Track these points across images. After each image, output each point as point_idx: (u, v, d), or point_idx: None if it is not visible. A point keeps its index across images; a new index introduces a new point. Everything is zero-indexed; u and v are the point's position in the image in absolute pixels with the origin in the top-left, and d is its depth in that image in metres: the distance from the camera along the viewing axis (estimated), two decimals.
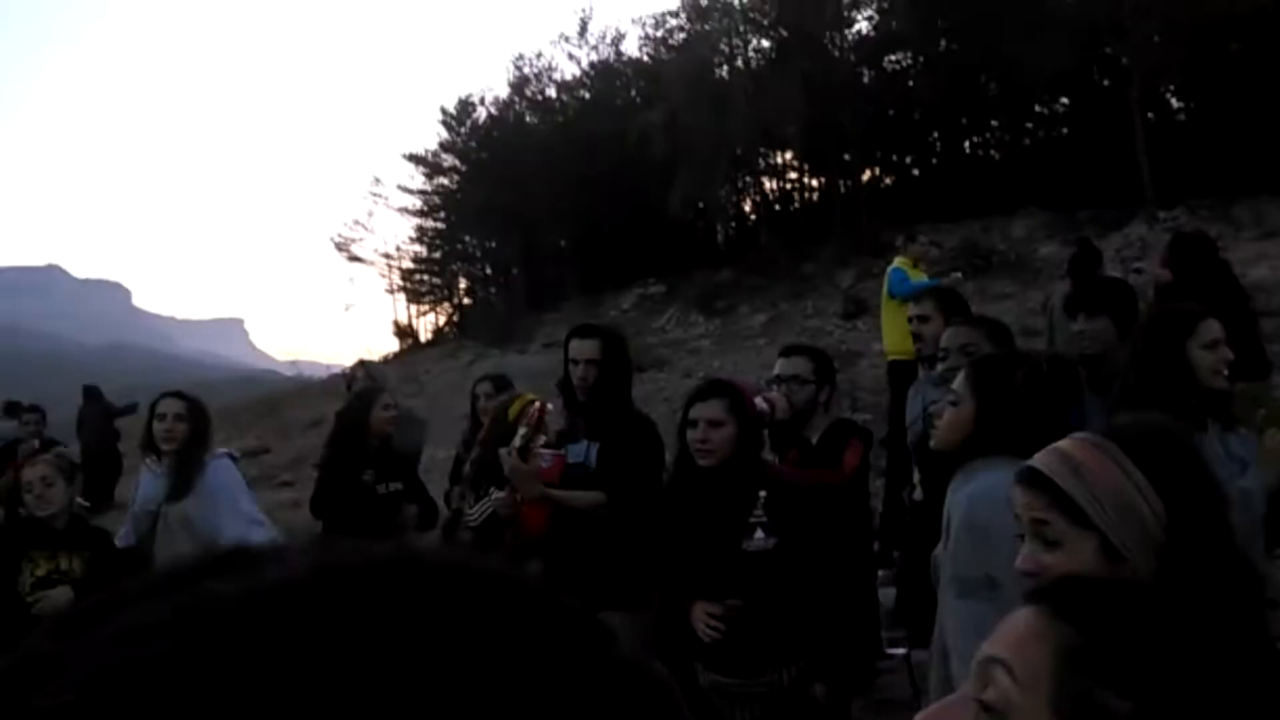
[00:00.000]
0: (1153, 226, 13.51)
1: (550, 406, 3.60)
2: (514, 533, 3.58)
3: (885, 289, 7.81)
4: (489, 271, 27.56)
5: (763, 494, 2.97)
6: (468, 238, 28.78)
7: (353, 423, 4.56)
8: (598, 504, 3.40)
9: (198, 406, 4.16)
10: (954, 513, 2.24)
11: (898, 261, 8.15)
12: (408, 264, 29.52)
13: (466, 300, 26.96)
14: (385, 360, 20.96)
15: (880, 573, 3.97)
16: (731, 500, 2.99)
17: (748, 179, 25.17)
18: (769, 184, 25.75)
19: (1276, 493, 2.72)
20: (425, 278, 29.44)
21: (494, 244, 27.81)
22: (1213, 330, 2.75)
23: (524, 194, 24.57)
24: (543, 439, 3.47)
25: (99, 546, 3.92)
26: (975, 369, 2.38)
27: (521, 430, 3.44)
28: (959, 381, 2.38)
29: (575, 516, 3.42)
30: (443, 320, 26.64)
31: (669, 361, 13.77)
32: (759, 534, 2.94)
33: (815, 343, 13.96)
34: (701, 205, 23.14)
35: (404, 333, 22.99)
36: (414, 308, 28.73)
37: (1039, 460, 1.47)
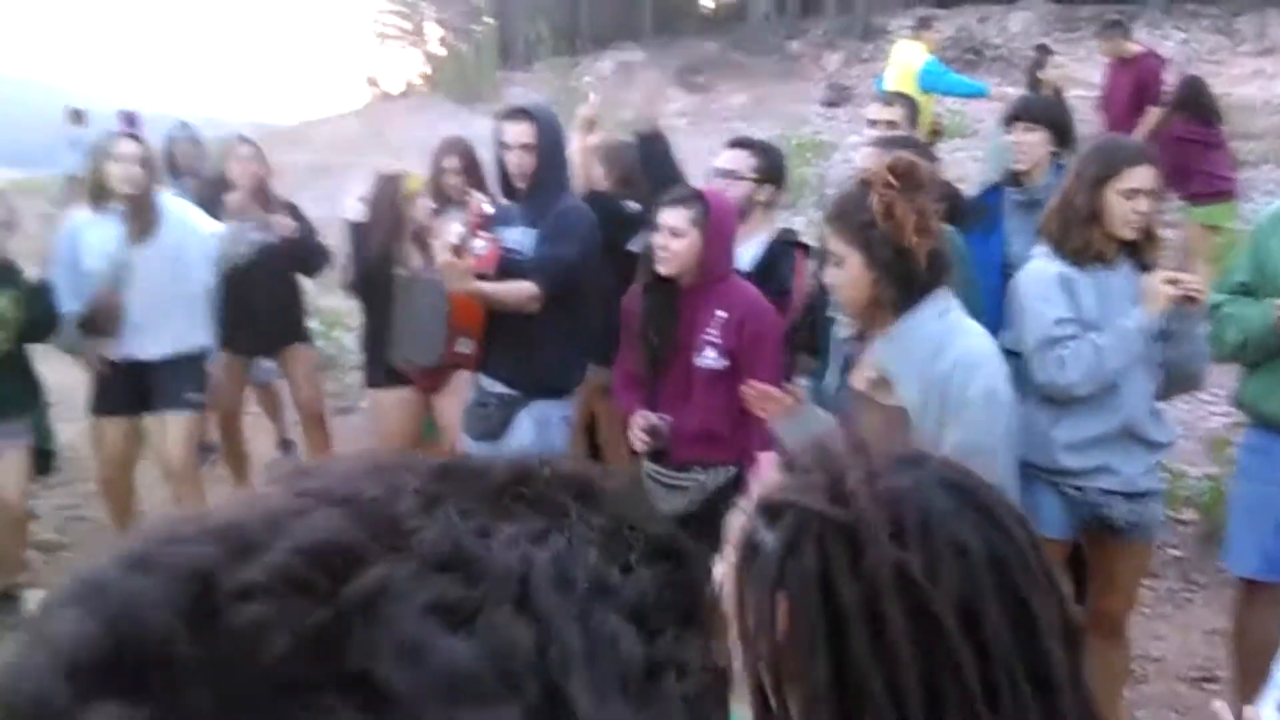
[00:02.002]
0: (1152, 33, 12.94)
1: (485, 202, 3.49)
2: (450, 324, 3.57)
3: (901, 79, 6.74)
4: (463, 20, 26.23)
5: (722, 314, 3.00)
6: None
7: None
8: (529, 296, 3.35)
9: (150, 150, 4.17)
10: (914, 376, 2.23)
11: (919, 48, 7.38)
12: (381, 4, 28.07)
13: (440, 50, 25.78)
14: (353, 114, 20.15)
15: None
16: (689, 312, 3.04)
17: None
18: None
19: (1167, 335, 2.75)
20: (394, 21, 27.98)
21: None
22: (1137, 178, 2.73)
23: None
24: (478, 240, 3.39)
25: (27, 287, 3.94)
26: (838, 218, 2.28)
27: (458, 228, 3.37)
28: (827, 239, 2.31)
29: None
30: (414, 70, 25.63)
31: None
32: (710, 353, 3.01)
33: (793, 130, 13.58)
34: None
35: (375, 84, 22.12)
36: (385, 55, 27.46)
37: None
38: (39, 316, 3.94)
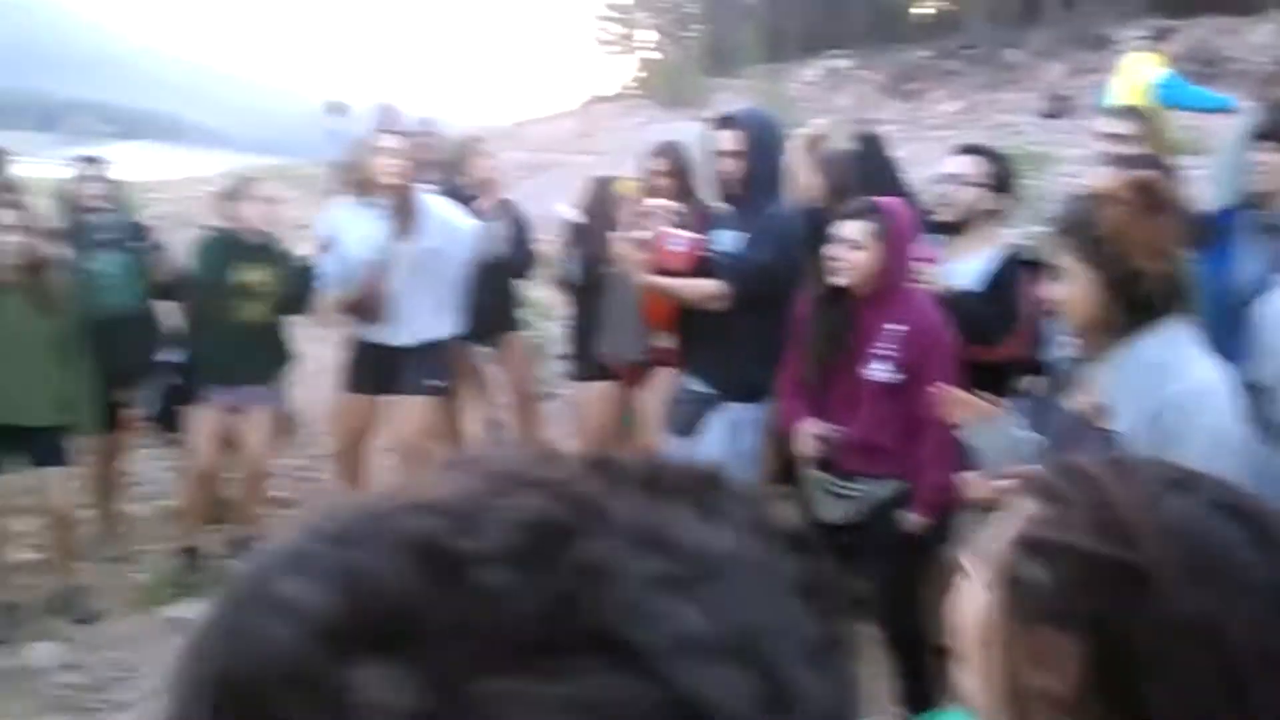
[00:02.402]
0: None
1: (665, 203, 3.60)
2: (648, 319, 3.69)
3: (1132, 92, 6.31)
4: (675, 26, 26.66)
5: (894, 327, 2.98)
6: None
7: None
8: (711, 294, 3.39)
9: (413, 144, 4.53)
10: (1132, 404, 2.09)
11: (1152, 60, 6.68)
12: (600, 10, 28.87)
13: (653, 55, 26.31)
14: (567, 116, 20.84)
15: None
16: (860, 324, 3.02)
17: None
18: None
19: None
20: (613, 26, 28.72)
21: None
22: None
23: None
24: (647, 232, 3.48)
25: (287, 264, 4.42)
26: (1068, 232, 2.14)
27: (634, 220, 3.47)
28: (1055, 251, 2.19)
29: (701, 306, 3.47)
30: (627, 74, 26.30)
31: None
32: (879, 365, 2.99)
33: (1005, 140, 13.09)
34: None
35: (589, 87, 22.98)
36: (601, 59, 28.32)
37: None
38: (298, 292, 4.34)
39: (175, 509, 4.80)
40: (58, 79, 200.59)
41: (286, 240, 4.58)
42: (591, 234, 4.20)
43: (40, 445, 4.01)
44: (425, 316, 4.34)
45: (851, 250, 3.00)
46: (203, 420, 4.35)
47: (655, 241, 3.50)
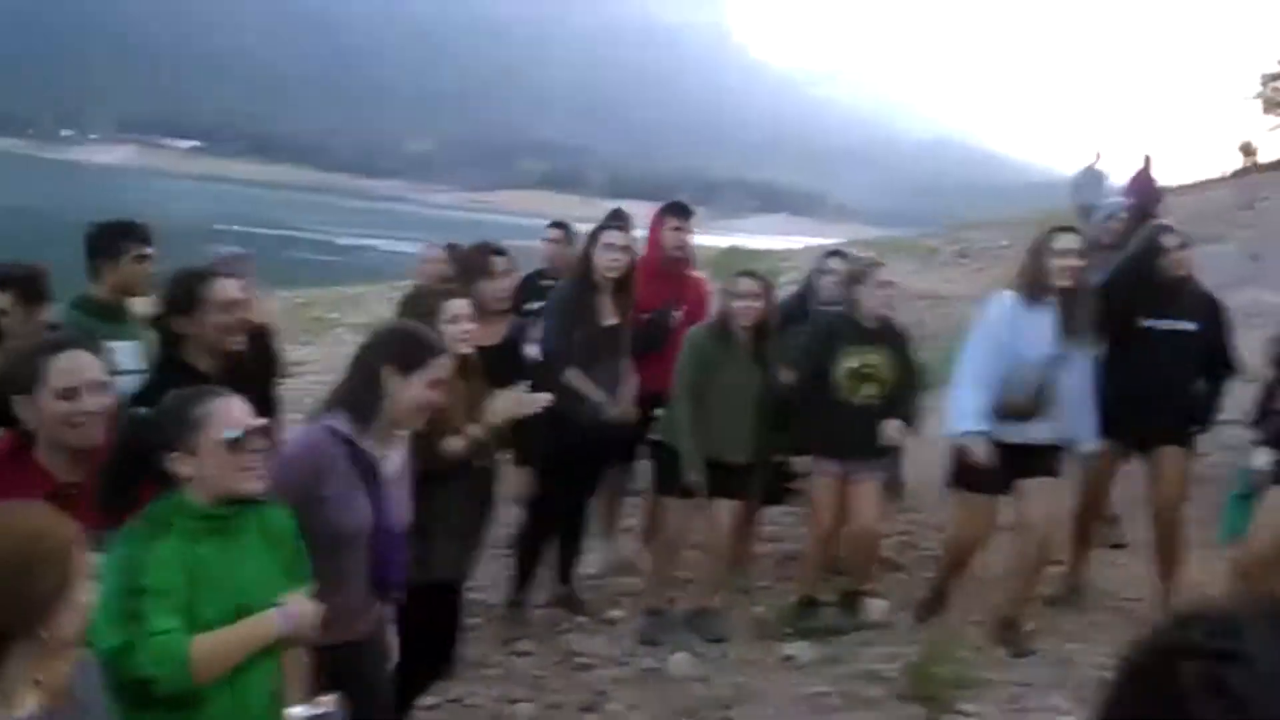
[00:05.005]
0: None
1: None
2: None
3: None
4: None
5: None
6: None
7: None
8: None
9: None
10: None
11: None
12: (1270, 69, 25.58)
13: None
14: (1213, 182, 18.80)
15: None
16: None
17: None
18: None
19: None
20: None
21: None
22: None
23: None
24: None
25: (902, 348, 4.43)
26: None
27: None
28: None
29: None
30: None
31: None
32: None
33: None
34: None
35: (1248, 150, 20.47)
36: (1263, 121, 24.94)
37: None
38: (911, 381, 4.58)
39: (796, 558, 5.19)
40: (710, 157, 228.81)
41: (905, 312, 4.74)
42: None
43: (735, 483, 4.56)
44: (1064, 415, 4.35)
45: None
46: (823, 488, 4.64)
47: None
